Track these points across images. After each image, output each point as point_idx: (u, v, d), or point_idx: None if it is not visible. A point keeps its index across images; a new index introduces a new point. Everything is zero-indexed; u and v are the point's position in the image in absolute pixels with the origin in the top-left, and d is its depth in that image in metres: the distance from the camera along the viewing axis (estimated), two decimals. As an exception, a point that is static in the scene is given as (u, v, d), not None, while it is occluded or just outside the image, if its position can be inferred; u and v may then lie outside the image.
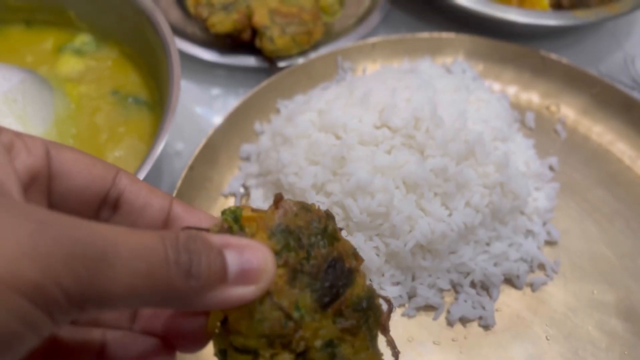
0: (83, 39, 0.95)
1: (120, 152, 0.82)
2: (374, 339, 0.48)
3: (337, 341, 0.45)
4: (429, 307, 0.76)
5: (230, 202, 0.85)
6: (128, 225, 0.37)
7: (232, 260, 0.35)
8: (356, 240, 0.72)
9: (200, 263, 0.33)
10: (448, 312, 0.75)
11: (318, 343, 0.45)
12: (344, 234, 0.70)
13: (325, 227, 0.48)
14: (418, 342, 0.74)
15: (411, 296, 0.76)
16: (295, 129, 0.80)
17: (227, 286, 0.35)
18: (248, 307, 0.41)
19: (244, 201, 0.85)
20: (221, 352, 0.45)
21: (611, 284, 0.78)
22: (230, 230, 0.43)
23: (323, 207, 0.71)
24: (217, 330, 0.44)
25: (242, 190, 0.86)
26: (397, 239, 0.72)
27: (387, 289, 0.74)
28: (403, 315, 0.75)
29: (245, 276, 0.36)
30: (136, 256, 0.29)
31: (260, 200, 0.81)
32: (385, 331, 0.49)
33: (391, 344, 0.50)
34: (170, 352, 0.40)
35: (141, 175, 0.71)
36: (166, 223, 0.40)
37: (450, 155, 0.75)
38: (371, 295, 0.48)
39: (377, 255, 0.73)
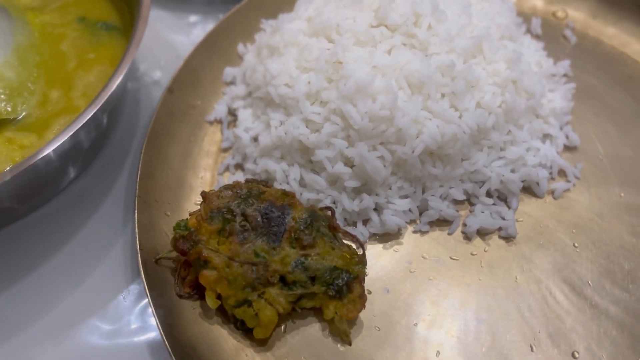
0: (42, -33, 0.86)
1: (91, 79, 0.74)
2: (334, 240, 0.62)
3: (302, 258, 0.59)
4: (442, 222, 0.69)
5: (216, 129, 0.77)
6: None
7: None
8: (359, 149, 0.65)
9: None
10: (464, 225, 0.68)
11: (288, 267, 0.59)
12: (343, 144, 0.65)
13: (248, 190, 0.62)
14: (434, 258, 0.67)
15: (422, 210, 0.69)
16: (282, 38, 0.72)
17: None
18: (222, 278, 0.57)
19: (232, 127, 0.77)
20: (234, 319, 0.60)
21: (639, 186, 0.72)
22: (183, 237, 0.60)
23: (319, 118, 0.64)
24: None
25: (228, 117, 0.78)
26: (404, 145, 0.65)
27: (395, 202, 0.67)
28: (415, 231, 0.69)
29: None
30: None
31: (249, 120, 0.74)
32: (337, 230, 0.64)
33: (349, 236, 0.64)
34: None
35: (106, 96, 0.62)
36: None
37: (457, 51, 0.68)
38: (312, 211, 0.62)
39: (384, 165, 0.66)
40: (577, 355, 0.60)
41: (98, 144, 0.75)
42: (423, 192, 0.68)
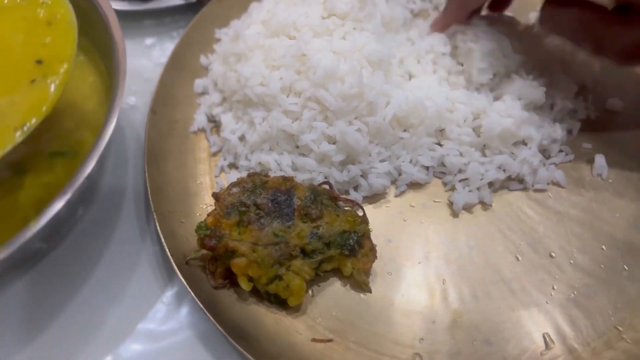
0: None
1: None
2: (337, 208, 0.71)
3: (315, 229, 0.68)
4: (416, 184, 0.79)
5: (201, 137, 0.84)
6: None
7: None
8: (338, 127, 0.74)
9: None
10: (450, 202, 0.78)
11: (305, 239, 0.67)
12: (323, 125, 0.74)
13: (253, 183, 0.70)
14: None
15: (400, 173, 0.79)
16: (245, 43, 0.80)
17: None
18: (252, 262, 0.65)
19: (214, 132, 0.84)
20: (267, 295, 0.68)
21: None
22: (207, 236, 0.67)
23: (297, 107, 0.73)
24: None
25: (209, 124, 0.85)
26: (376, 115, 0.75)
27: (377, 166, 0.77)
28: (396, 196, 0.78)
29: None
30: None
31: (232, 122, 0.81)
32: (338, 199, 0.73)
33: (349, 202, 0.74)
34: None
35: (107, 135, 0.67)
36: None
37: (398, 30, 0.78)
38: (313, 188, 0.71)
39: (362, 136, 0.75)
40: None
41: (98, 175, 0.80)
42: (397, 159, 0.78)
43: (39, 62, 0.68)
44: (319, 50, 0.75)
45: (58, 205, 0.61)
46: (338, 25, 0.77)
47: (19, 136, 0.63)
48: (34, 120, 0.64)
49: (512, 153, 0.77)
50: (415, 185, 0.79)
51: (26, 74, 0.67)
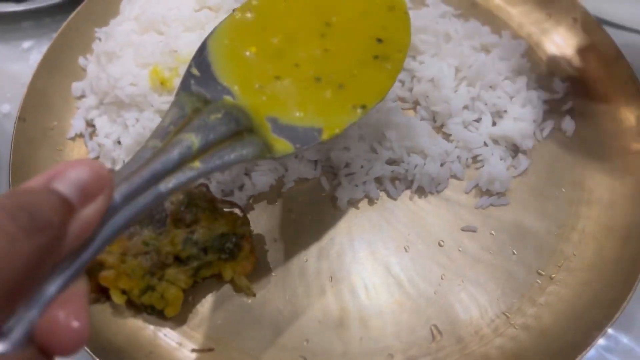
0: None
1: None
2: (215, 211, 0.66)
3: (189, 235, 0.63)
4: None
5: (80, 144, 0.79)
6: None
7: (65, 187, 0.33)
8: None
9: (40, 211, 0.30)
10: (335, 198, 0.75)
11: (179, 246, 0.63)
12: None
13: None
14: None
15: (286, 169, 0.76)
16: (116, 41, 0.75)
17: (79, 212, 0.33)
18: (121, 273, 0.61)
19: (94, 138, 0.80)
20: (144, 307, 0.64)
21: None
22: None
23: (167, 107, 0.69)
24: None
25: (88, 129, 0.80)
26: (254, 110, 0.71)
27: (260, 163, 0.74)
28: (284, 193, 0.75)
29: (87, 191, 0.33)
30: None
31: (107, 126, 0.76)
32: (215, 201, 0.67)
33: (227, 203, 0.69)
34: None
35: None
36: None
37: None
38: (188, 191, 0.66)
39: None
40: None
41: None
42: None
43: (380, 40, 0.61)
44: (190, 45, 0.71)
45: None
46: (210, 18, 0.74)
47: (359, 113, 0.56)
48: (373, 100, 0.57)
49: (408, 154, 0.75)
50: (302, 181, 0.76)
51: (368, 48, 0.61)
